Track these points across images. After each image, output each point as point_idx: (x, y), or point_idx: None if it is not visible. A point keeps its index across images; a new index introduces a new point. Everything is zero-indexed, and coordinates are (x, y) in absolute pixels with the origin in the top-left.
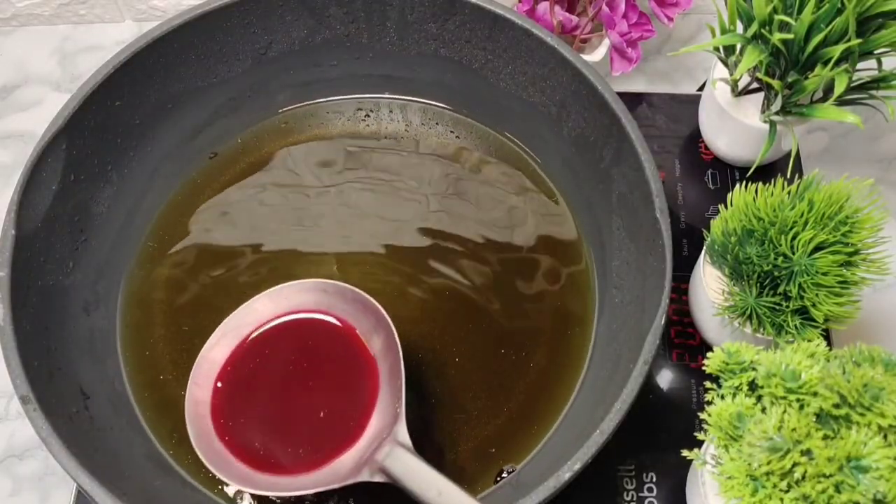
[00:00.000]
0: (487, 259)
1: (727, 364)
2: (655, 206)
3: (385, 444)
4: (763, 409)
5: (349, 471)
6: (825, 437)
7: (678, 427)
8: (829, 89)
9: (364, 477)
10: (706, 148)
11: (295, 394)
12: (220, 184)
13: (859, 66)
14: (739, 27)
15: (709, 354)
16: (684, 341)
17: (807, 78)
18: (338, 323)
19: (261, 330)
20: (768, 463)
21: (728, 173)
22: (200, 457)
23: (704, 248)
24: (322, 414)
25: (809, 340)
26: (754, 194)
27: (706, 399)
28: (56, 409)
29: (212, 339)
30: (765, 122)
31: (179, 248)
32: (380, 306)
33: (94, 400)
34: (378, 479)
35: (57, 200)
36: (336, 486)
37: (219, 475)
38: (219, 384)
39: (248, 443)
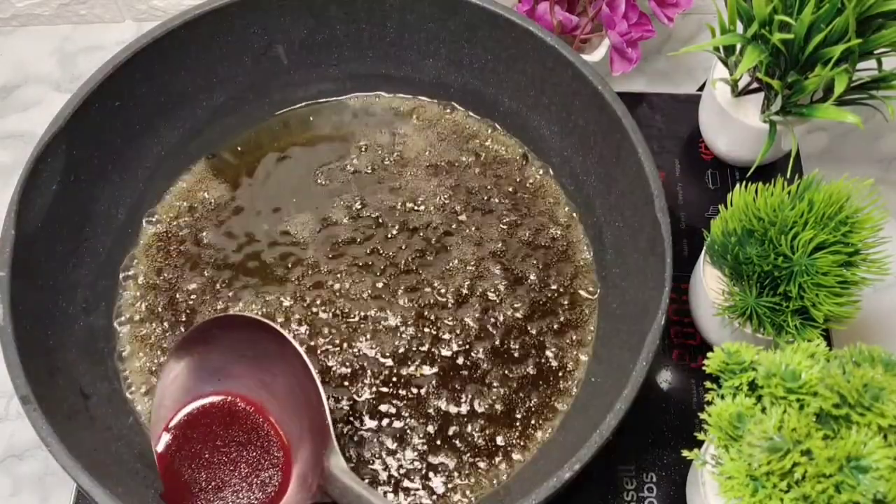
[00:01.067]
0: (486, 259)
1: (727, 364)
2: (655, 206)
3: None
4: (763, 409)
5: None
6: (825, 437)
7: (678, 427)
8: (829, 89)
9: None
10: (706, 148)
11: (216, 473)
12: (219, 184)
13: (859, 66)
14: (739, 27)
15: (709, 354)
16: (684, 341)
17: (807, 78)
18: (239, 402)
19: (179, 416)
20: (768, 463)
21: (728, 173)
22: None
23: (704, 248)
24: (243, 489)
25: (809, 340)
26: (754, 194)
27: (706, 399)
28: (56, 409)
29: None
30: (765, 122)
31: (179, 248)
32: (286, 332)
33: (94, 400)
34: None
35: (57, 200)
36: None
37: None
38: (158, 450)
39: None
